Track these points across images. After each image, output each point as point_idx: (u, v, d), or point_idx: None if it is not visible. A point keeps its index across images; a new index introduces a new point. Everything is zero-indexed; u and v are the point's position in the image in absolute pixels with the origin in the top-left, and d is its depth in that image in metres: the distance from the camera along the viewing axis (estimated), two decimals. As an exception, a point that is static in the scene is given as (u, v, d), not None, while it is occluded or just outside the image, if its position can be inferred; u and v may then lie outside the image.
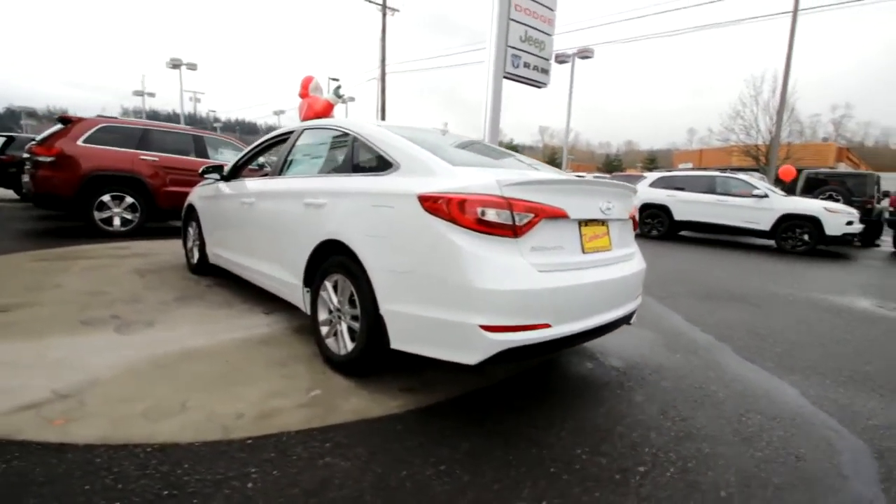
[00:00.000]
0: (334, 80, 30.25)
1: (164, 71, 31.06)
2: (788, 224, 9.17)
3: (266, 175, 4.12)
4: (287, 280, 2.95)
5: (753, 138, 27.07)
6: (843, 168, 28.20)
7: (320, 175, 2.98)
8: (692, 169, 25.31)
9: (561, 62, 19.78)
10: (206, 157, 7.11)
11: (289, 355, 2.71)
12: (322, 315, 2.64)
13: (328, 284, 2.57)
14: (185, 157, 6.93)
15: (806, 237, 9.02)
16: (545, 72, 19.73)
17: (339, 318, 2.50)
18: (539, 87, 20.70)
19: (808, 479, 1.82)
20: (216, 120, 64.72)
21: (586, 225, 2.29)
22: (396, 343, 2.17)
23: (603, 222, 2.40)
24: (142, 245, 6.01)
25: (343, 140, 2.87)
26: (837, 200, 11.09)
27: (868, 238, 11.25)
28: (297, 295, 2.86)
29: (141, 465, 1.66)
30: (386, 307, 2.17)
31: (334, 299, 2.53)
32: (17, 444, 1.73)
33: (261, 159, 4.02)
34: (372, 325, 2.24)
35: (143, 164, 6.52)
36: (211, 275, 4.47)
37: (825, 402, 2.52)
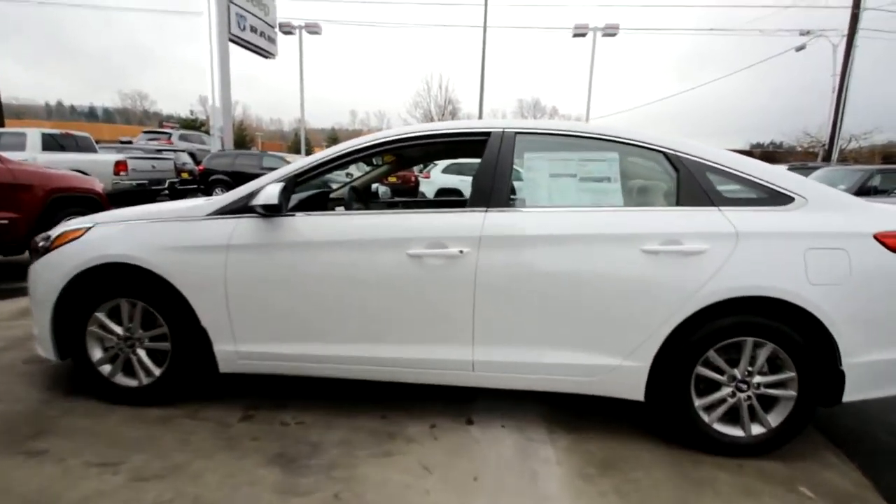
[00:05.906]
0: None
1: None
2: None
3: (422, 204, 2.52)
4: (594, 363, 2.00)
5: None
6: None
7: (649, 209, 2.10)
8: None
9: (286, 33, 17.78)
10: None
11: (668, 459, 1.92)
12: (697, 400, 2.01)
13: (712, 355, 1.97)
14: None
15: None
16: (272, 40, 17.93)
17: (740, 392, 1.99)
18: (266, 56, 18.75)
19: None
20: None
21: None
22: (852, 395, 1.97)
23: None
24: None
25: (648, 158, 2.12)
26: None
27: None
28: (624, 381, 2.01)
29: None
30: (850, 360, 1.92)
31: (732, 371, 1.98)
32: None
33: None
34: (811, 387, 1.94)
35: None
36: (192, 398, 2.26)
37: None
